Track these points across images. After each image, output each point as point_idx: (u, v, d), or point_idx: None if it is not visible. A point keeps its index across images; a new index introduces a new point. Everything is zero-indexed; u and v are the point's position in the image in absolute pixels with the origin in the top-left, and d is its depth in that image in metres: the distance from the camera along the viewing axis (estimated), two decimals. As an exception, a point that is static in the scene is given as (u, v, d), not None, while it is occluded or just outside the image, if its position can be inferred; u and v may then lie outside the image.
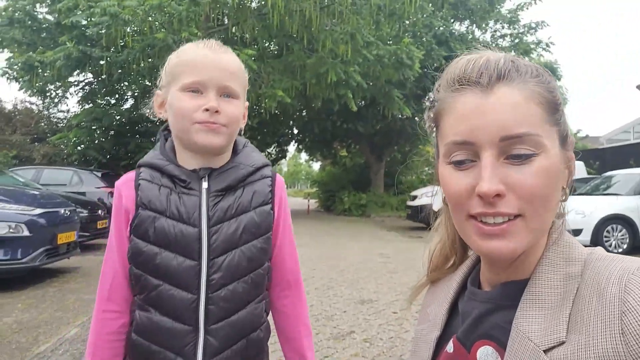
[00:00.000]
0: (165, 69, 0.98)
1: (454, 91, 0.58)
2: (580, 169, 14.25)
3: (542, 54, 18.86)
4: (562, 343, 0.50)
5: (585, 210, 8.08)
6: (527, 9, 18.53)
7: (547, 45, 18.27)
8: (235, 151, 1.04)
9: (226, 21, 12.39)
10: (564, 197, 0.61)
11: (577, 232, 7.97)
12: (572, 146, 0.60)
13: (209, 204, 0.95)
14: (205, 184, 0.96)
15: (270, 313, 1.08)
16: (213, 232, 0.94)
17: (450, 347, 0.64)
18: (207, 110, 0.91)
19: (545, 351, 0.50)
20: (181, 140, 0.97)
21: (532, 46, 18.23)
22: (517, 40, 18.45)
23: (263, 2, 12.10)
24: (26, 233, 5.01)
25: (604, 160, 17.04)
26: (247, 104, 1.04)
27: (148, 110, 1.06)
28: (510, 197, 0.54)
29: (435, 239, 0.78)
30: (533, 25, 18.49)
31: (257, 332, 0.99)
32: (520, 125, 0.53)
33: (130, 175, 0.99)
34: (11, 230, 4.93)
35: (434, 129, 0.65)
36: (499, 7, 18.55)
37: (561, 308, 0.53)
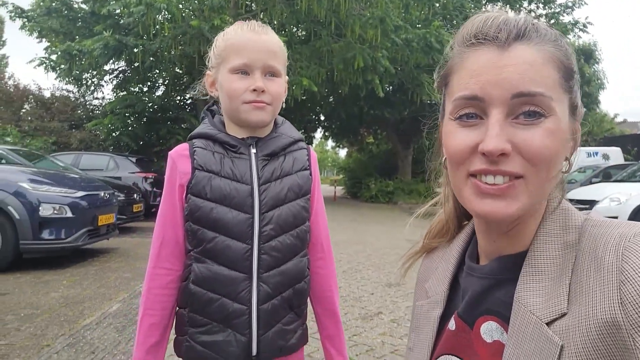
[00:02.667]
0: (214, 50, 1.08)
1: (468, 46, 0.56)
2: (617, 155, 13.76)
3: (580, 35, 18.14)
4: (564, 314, 0.50)
5: (621, 198, 7.85)
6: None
7: (584, 25, 17.54)
8: (276, 124, 1.15)
9: (254, 7, 12.46)
10: (566, 168, 0.59)
11: (611, 220, 7.77)
12: (580, 117, 0.59)
13: (258, 166, 1.06)
14: (253, 150, 1.08)
15: None
16: (263, 190, 1.05)
17: (452, 324, 0.64)
18: (254, 90, 1.02)
19: (548, 324, 0.50)
20: (231, 117, 1.08)
21: (569, 27, 17.54)
22: (552, 21, 17.78)
23: (291, -12, 12.10)
24: (69, 214, 5.29)
25: (643, 146, 16.39)
26: (287, 78, 1.14)
27: (195, 92, 1.17)
28: (514, 158, 0.52)
29: (440, 210, 0.78)
30: (569, 3, 17.77)
31: (301, 283, 1.09)
32: (537, 85, 0.52)
33: (183, 145, 1.10)
34: (55, 211, 5.21)
35: (443, 88, 0.63)
36: (533, -14, 17.91)
37: (561, 278, 0.52)
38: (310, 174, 1.13)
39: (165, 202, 1.08)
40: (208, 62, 1.11)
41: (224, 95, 1.05)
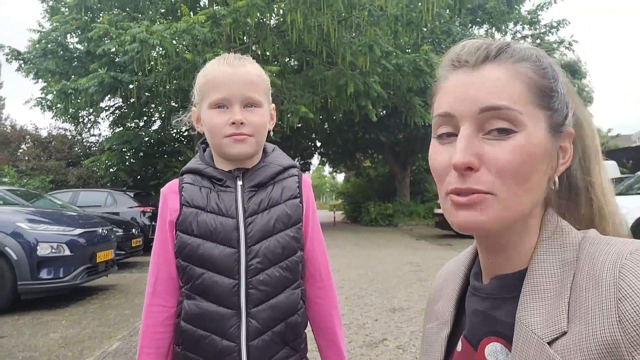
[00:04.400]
0: (196, 87, 1.10)
1: (446, 71, 0.60)
2: (613, 169, 13.80)
3: (565, 53, 18.54)
4: (564, 333, 0.50)
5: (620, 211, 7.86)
6: (547, 9, 18.33)
7: (569, 44, 17.97)
8: (265, 153, 1.15)
9: (247, 40, 12.74)
10: (554, 186, 0.59)
11: (612, 233, 7.74)
12: (568, 137, 0.59)
13: (244, 198, 1.06)
14: (239, 182, 1.07)
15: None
16: (249, 223, 1.04)
17: (459, 346, 0.64)
18: (233, 123, 1.03)
19: (549, 343, 0.50)
20: (216, 151, 1.10)
21: (555, 45, 17.96)
22: (538, 41, 18.21)
23: (282, 20, 12.41)
24: (67, 252, 5.24)
25: (638, 158, 16.51)
26: (273, 106, 1.14)
27: (183, 125, 1.21)
28: (483, 172, 0.54)
29: None
30: (554, 24, 18.24)
31: (295, 317, 1.06)
32: (502, 98, 0.54)
33: (174, 181, 1.11)
34: (53, 250, 5.16)
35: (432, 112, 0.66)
36: (517, 8, 18.40)
37: (560, 297, 0.53)
38: (301, 202, 1.11)
39: (157, 238, 1.08)
40: (192, 98, 1.13)
41: (207, 131, 1.07)
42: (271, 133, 1.14)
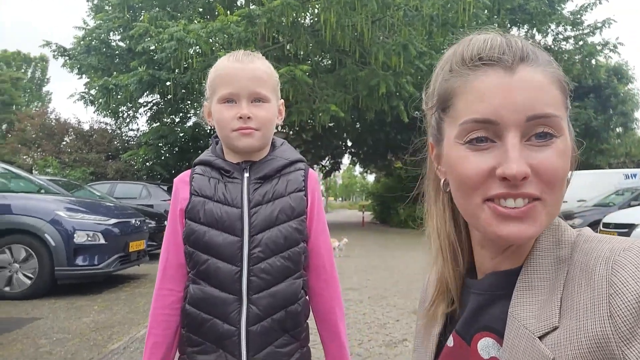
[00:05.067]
0: (207, 82, 1.15)
1: (471, 69, 0.55)
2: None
3: (611, 55, 17.75)
4: (556, 328, 0.50)
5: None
6: (592, 9, 17.60)
7: (614, 46, 17.20)
8: (273, 147, 1.19)
9: (281, 39, 12.88)
10: (566, 185, 0.60)
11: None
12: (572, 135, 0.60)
13: (250, 189, 1.10)
14: (246, 174, 1.12)
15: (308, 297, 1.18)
16: (253, 213, 1.08)
17: (450, 341, 0.64)
18: (240, 117, 1.07)
19: (540, 337, 0.51)
20: (225, 144, 1.14)
21: (599, 47, 17.23)
22: (581, 42, 17.53)
23: (316, 19, 12.47)
24: (102, 241, 5.48)
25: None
26: (281, 101, 1.18)
27: (199, 119, 1.24)
28: (532, 180, 0.52)
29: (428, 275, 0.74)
30: (598, 24, 17.50)
31: (295, 306, 1.09)
32: (548, 106, 0.52)
33: (186, 172, 1.17)
34: (89, 238, 5.41)
35: (440, 113, 0.61)
36: (559, 9, 17.76)
37: (553, 293, 0.53)
38: (306, 195, 1.14)
39: (169, 226, 1.14)
40: (205, 94, 1.18)
41: (216, 125, 1.11)
42: (278, 127, 1.17)
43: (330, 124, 14.83)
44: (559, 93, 0.54)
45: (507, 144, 0.52)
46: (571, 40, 18.05)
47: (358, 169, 37.37)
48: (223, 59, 1.13)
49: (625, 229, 7.75)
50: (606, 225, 8.25)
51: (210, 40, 10.83)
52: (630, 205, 9.54)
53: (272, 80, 1.13)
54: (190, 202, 1.10)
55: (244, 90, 1.07)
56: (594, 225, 9.29)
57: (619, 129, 20.88)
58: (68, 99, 16.03)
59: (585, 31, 17.78)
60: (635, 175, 13.20)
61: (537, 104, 0.52)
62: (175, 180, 1.16)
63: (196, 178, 1.13)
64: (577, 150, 0.60)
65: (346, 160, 27.59)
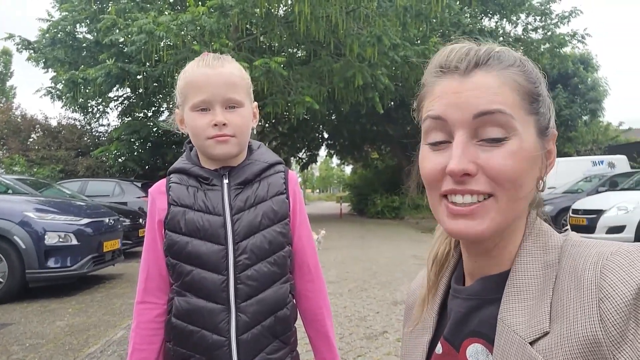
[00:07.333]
0: (177, 89, 1.11)
1: (435, 76, 0.60)
2: (623, 163, 13.65)
3: (577, 46, 18.19)
4: (546, 333, 0.50)
5: (629, 206, 7.78)
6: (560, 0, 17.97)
7: (582, 37, 17.62)
8: (250, 151, 1.16)
9: (254, 31, 12.70)
10: (541, 187, 0.61)
11: (619, 229, 7.68)
12: (552, 138, 0.61)
13: (231, 196, 1.07)
14: (226, 180, 1.09)
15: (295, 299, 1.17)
16: (236, 220, 1.06)
17: (439, 348, 0.65)
18: (215, 125, 1.03)
19: (531, 343, 0.51)
20: (201, 152, 1.11)
21: (567, 38, 17.61)
22: (549, 33, 17.89)
23: (289, 10, 12.33)
24: (74, 242, 5.32)
25: (649, 153, 16.26)
26: (255, 104, 1.15)
27: (170, 126, 1.21)
28: (480, 178, 0.55)
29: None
30: (566, 14, 17.86)
31: (284, 310, 1.08)
32: (494, 103, 0.55)
33: (161, 181, 1.13)
34: (61, 239, 5.25)
35: (417, 116, 0.66)
36: (530, -2, 18.05)
37: (542, 298, 0.53)
38: (288, 197, 1.12)
39: (147, 238, 1.10)
40: (175, 100, 1.14)
41: (190, 133, 1.09)
42: (254, 131, 1.14)
43: (306, 116, 14.75)
44: (512, 94, 0.56)
45: (453, 143, 0.56)
46: (540, 31, 18.38)
47: (335, 160, 37.47)
48: (192, 64, 1.09)
49: (594, 214, 8.02)
50: (575, 211, 8.51)
51: (182, 32, 10.58)
52: (598, 192, 9.87)
53: (245, 84, 1.10)
54: (169, 213, 1.06)
55: (217, 97, 1.04)
56: (563, 211, 9.60)
57: (586, 117, 21.56)
58: (34, 94, 15.45)
59: (554, 21, 18.14)
60: (602, 162, 13.66)
61: (483, 102, 0.55)
62: (150, 190, 1.13)
63: (173, 187, 1.09)
64: (551, 153, 0.61)
65: (323, 152, 27.62)
